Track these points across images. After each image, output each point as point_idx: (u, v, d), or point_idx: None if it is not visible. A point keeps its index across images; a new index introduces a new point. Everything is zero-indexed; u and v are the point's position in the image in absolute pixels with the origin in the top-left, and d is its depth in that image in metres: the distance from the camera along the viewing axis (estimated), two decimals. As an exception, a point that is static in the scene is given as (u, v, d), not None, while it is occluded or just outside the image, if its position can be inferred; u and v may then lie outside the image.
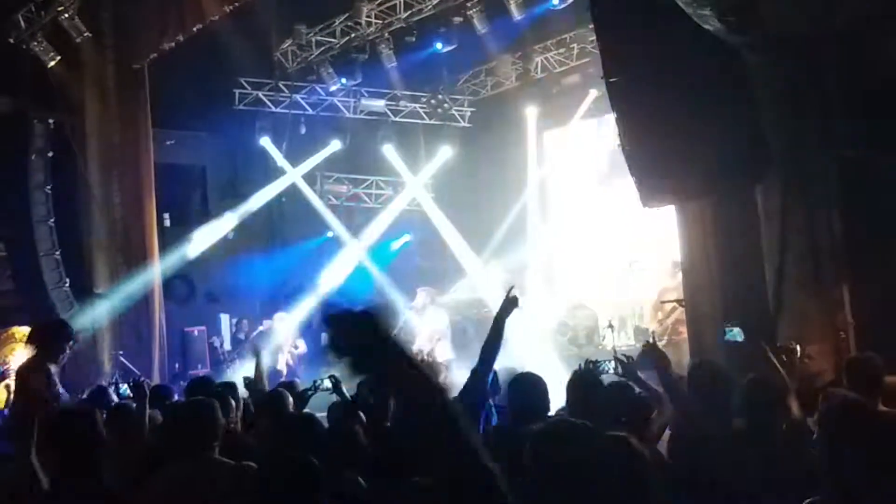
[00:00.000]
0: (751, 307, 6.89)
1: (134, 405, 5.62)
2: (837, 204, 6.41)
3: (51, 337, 6.85)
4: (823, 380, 6.04)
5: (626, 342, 12.10)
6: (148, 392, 5.61)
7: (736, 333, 5.94)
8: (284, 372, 11.80)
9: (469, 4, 12.46)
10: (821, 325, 6.43)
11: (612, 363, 5.75)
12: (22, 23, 11.42)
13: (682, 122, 6.79)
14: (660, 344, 9.76)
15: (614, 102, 7.20)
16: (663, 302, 10.60)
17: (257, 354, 7.03)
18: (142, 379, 6.26)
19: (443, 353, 11.40)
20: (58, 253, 12.15)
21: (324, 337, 1.75)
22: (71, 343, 6.95)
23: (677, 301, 9.47)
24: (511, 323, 5.04)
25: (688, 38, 6.59)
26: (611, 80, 7.24)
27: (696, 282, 7.61)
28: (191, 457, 4.00)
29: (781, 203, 6.59)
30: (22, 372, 6.94)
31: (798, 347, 5.51)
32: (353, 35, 13.62)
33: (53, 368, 6.69)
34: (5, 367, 11.21)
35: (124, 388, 6.44)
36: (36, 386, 6.54)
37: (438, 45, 13.13)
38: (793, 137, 6.58)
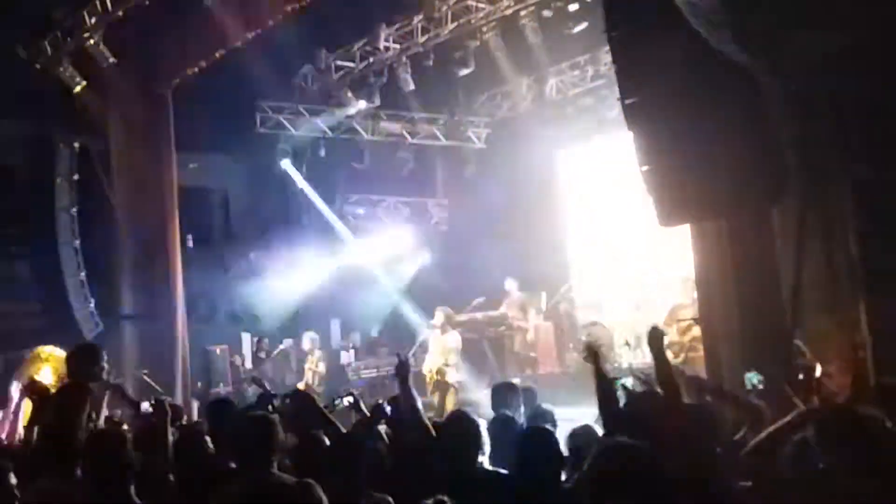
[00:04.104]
0: (768, 326, 6.94)
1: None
2: (854, 223, 6.47)
3: (85, 361, 6.90)
4: (841, 398, 6.09)
5: (644, 360, 12.12)
6: (169, 411, 5.62)
7: (752, 377, 5.90)
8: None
9: (485, 29, 12.65)
10: (838, 343, 6.45)
11: (630, 381, 5.83)
12: (48, 48, 11.61)
13: (698, 143, 6.86)
14: (676, 361, 9.91)
15: (631, 123, 7.26)
16: (679, 320, 10.65)
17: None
18: (163, 397, 6.22)
19: (452, 374, 11.44)
20: (83, 274, 12.38)
21: None
22: (102, 366, 6.98)
23: (693, 319, 9.53)
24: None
25: (704, 60, 6.69)
26: (627, 101, 7.33)
27: (711, 300, 7.64)
28: (252, 474, 3.95)
29: (798, 222, 6.67)
30: (63, 392, 7.01)
31: (818, 366, 5.57)
32: (371, 59, 13.82)
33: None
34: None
35: (144, 405, 6.39)
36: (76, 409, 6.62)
37: (455, 68, 13.31)
38: (809, 158, 6.65)
